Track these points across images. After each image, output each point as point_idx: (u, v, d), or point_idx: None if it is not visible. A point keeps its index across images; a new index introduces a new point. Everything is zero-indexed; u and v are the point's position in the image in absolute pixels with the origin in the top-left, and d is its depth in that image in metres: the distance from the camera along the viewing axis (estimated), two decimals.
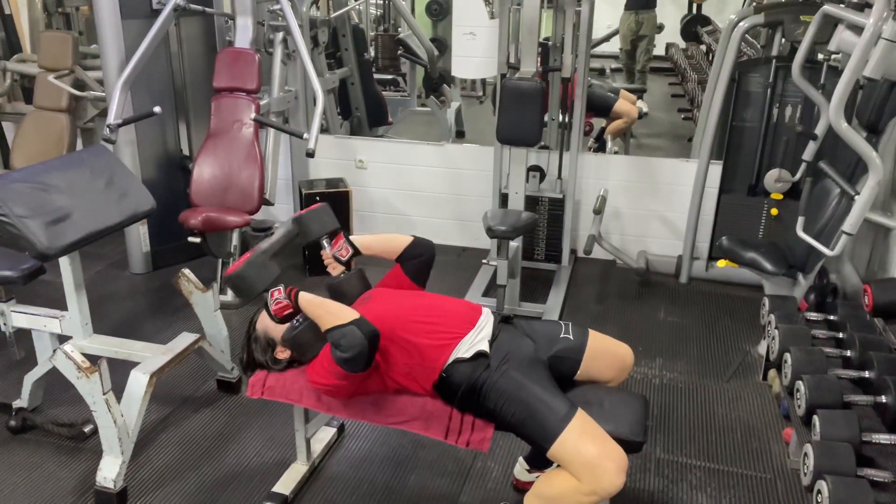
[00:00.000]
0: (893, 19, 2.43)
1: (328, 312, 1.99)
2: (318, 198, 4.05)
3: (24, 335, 2.87)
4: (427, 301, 2.20)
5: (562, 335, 2.18)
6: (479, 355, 2.04)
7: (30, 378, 2.80)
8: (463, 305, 2.21)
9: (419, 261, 2.36)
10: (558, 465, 1.93)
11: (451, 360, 2.03)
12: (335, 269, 2.33)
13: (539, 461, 2.33)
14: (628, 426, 2.01)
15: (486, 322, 2.14)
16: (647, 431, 2.05)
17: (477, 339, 2.07)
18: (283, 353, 2.19)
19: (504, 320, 2.22)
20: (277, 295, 2.10)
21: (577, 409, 1.93)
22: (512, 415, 1.97)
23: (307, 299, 2.06)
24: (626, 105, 5.01)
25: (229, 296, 3.71)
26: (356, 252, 2.34)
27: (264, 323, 2.18)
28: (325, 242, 2.33)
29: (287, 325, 2.13)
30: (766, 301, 3.04)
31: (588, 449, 1.86)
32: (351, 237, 2.36)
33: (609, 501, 1.96)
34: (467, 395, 2.02)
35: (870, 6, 2.55)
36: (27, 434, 2.77)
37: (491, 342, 2.08)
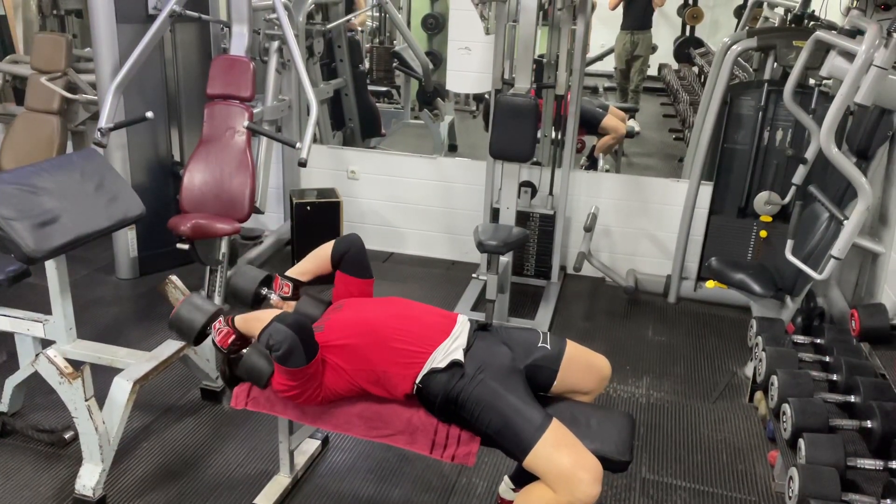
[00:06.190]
0: (885, 47, 2.46)
1: (256, 319, 2.02)
2: (308, 207, 4.05)
3: (6, 338, 2.84)
4: (400, 310, 2.19)
5: (539, 344, 2.18)
6: (454, 365, 2.03)
7: (11, 382, 2.77)
8: (437, 315, 2.20)
9: (348, 256, 2.36)
10: (538, 480, 1.92)
11: (425, 370, 2.02)
12: (289, 308, 2.34)
13: (524, 479, 2.32)
14: (614, 445, 2.00)
15: (462, 331, 2.14)
16: (634, 451, 2.05)
17: (451, 349, 2.06)
18: None
19: (481, 327, 2.22)
20: (219, 325, 2.12)
21: (552, 419, 1.93)
22: (487, 424, 1.96)
23: (241, 319, 2.08)
24: (613, 121, 5.03)
25: (218, 303, 3.68)
26: (297, 283, 2.37)
27: None
28: (265, 291, 2.35)
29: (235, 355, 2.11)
30: (754, 323, 3.05)
31: (562, 459, 1.86)
32: (286, 273, 2.38)
33: None
34: (444, 405, 2.02)
35: (862, 33, 2.58)
36: (6, 439, 2.73)
37: (466, 350, 2.08)
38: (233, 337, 2.11)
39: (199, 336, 2.16)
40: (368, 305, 2.23)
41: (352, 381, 2.06)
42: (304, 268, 2.39)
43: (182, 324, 2.16)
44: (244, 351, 2.09)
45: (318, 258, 2.39)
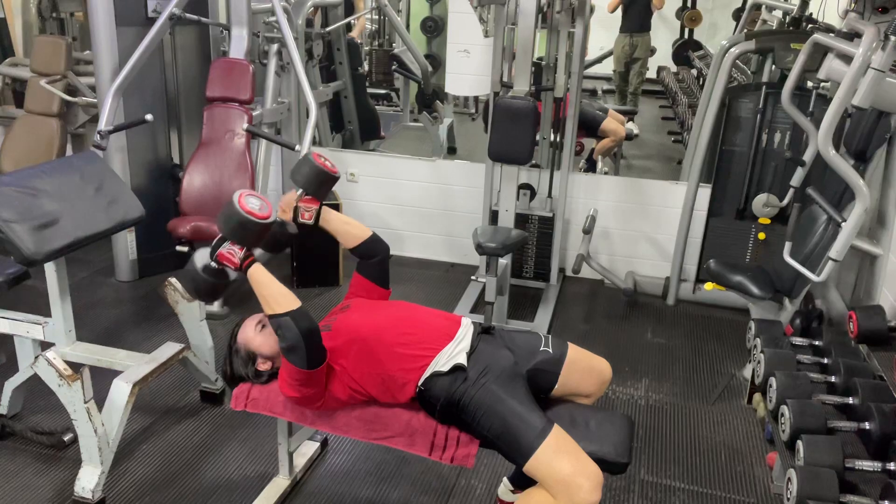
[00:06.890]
0: (882, 49, 2.47)
1: (271, 296, 1.95)
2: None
3: (5, 340, 2.84)
4: (405, 313, 2.20)
5: (541, 348, 2.18)
6: (457, 368, 2.03)
7: (10, 384, 2.77)
8: (441, 318, 2.21)
9: (375, 262, 2.36)
10: (539, 484, 1.93)
11: (428, 373, 2.03)
12: (284, 214, 2.23)
13: (523, 481, 2.32)
14: (613, 447, 2.00)
15: (465, 334, 2.14)
16: (632, 452, 2.05)
17: (455, 352, 2.07)
18: (264, 366, 2.17)
19: (484, 331, 2.22)
20: (234, 251, 1.98)
21: (553, 424, 1.93)
22: (488, 428, 1.97)
23: (257, 275, 1.97)
24: (613, 124, 5.04)
25: (215, 306, 3.68)
26: (315, 223, 2.27)
27: (245, 335, 2.17)
28: (300, 192, 2.23)
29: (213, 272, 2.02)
30: (752, 325, 3.05)
31: (562, 466, 1.86)
32: (324, 204, 2.29)
33: None
34: (446, 408, 2.02)
35: (859, 36, 2.58)
36: (6, 441, 2.73)
37: (469, 354, 2.08)
38: (232, 269, 1.99)
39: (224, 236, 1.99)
40: (374, 308, 2.23)
41: (358, 387, 2.06)
42: (331, 219, 2.30)
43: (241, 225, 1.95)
44: (218, 269, 2.01)
45: (349, 226, 2.34)
